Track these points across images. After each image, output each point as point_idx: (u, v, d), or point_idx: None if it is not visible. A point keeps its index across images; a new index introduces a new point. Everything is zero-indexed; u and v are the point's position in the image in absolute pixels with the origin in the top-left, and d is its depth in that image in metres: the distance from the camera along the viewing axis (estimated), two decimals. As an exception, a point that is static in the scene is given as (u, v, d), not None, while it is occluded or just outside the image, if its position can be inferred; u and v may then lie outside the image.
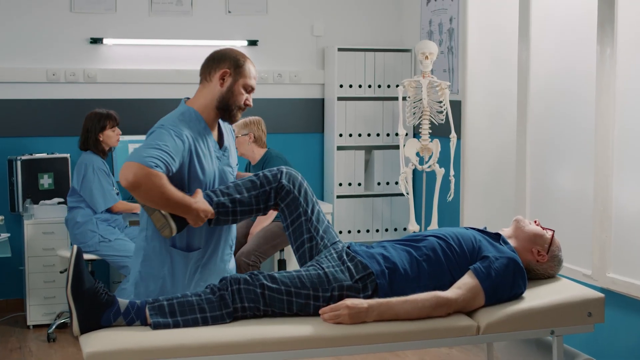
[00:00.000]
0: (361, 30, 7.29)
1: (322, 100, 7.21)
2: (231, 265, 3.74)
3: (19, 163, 6.21)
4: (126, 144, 6.38)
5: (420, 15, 6.95)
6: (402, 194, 7.02)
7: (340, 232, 6.96)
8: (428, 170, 6.09)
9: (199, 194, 3.40)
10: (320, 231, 3.52)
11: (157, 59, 6.73)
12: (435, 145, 6.05)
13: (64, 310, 6.06)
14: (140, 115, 6.61)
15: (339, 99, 6.97)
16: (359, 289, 3.33)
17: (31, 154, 6.31)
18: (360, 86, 7.03)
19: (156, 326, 3.12)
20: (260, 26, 7.02)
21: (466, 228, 3.68)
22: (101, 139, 5.92)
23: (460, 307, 3.34)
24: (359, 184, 7.11)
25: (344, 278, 3.33)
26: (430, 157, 6.09)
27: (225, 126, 3.70)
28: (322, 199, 7.23)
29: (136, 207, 5.94)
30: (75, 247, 3.13)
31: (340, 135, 7.00)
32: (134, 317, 3.15)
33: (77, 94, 6.61)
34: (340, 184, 7.05)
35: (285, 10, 7.10)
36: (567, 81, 5.35)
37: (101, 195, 5.81)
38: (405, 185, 6.04)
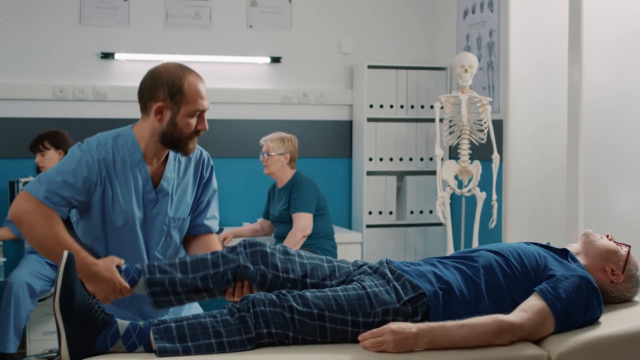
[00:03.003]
0: (392, 47, 6.90)
1: (350, 122, 6.78)
2: None
3: (21, 186, 5.77)
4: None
5: (457, 29, 6.50)
6: (437, 224, 6.58)
7: (370, 265, 6.41)
8: (467, 194, 5.63)
9: (112, 261, 2.86)
10: (327, 281, 2.97)
11: None
12: (476, 167, 5.58)
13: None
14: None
15: (369, 120, 6.54)
16: (408, 314, 2.80)
17: (34, 177, 5.80)
18: (391, 106, 6.58)
19: (162, 353, 2.59)
20: (284, 42, 6.63)
21: (526, 243, 3.17)
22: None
23: (527, 333, 2.81)
24: (390, 213, 6.60)
25: (390, 300, 2.80)
26: (470, 181, 5.64)
27: (188, 164, 3.21)
28: (350, 228, 6.74)
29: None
30: (65, 252, 2.59)
31: (370, 159, 6.53)
32: (135, 341, 2.62)
33: (86, 113, 6.22)
34: (370, 213, 6.55)
35: (310, 25, 6.72)
36: (622, 96, 4.94)
37: None
38: (442, 211, 5.55)
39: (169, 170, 3.15)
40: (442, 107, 5.60)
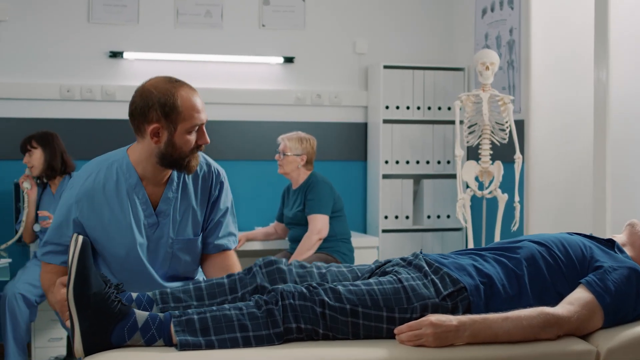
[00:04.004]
0: (408, 47, 6.72)
1: (365, 124, 6.60)
2: None
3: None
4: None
5: (474, 28, 6.33)
6: (454, 229, 6.40)
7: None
8: (489, 196, 5.44)
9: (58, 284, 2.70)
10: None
11: (182, 75, 5.80)
12: (497, 168, 5.41)
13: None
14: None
15: (385, 121, 6.35)
16: (448, 309, 2.61)
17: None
18: (408, 108, 6.40)
19: (183, 346, 2.40)
20: (297, 42, 6.45)
21: (569, 233, 2.97)
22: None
23: (574, 327, 2.63)
24: (407, 217, 6.40)
25: (428, 294, 2.61)
26: (491, 182, 5.45)
27: (196, 183, 3.05)
28: (365, 232, 6.54)
29: None
30: (79, 236, 2.40)
31: (386, 162, 6.33)
32: (155, 334, 2.43)
33: (94, 113, 6.03)
34: (386, 217, 6.35)
35: (324, 24, 6.54)
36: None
37: None
38: (463, 213, 5.36)
39: (170, 191, 2.97)
40: (461, 107, 5.42)
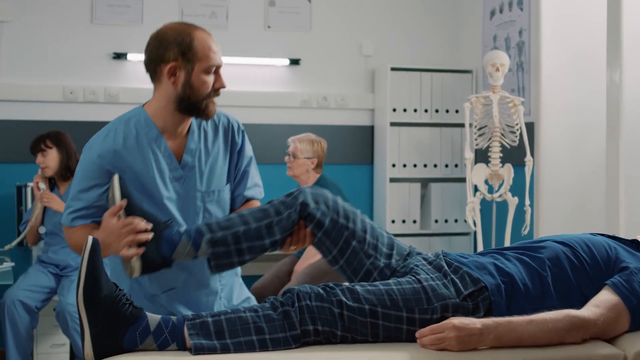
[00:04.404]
0: (414, 49, 6.67)
1: (372, 127, 6.54)
2: (236, 300, 3.06)
3: (28, 190, 5.58)
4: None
5: (482, 30, 6.26)
6: (462, 233, 6.33)
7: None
8: (499, 200, 5.35)
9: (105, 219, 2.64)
10: (385, 248, 2.72)
11: None
12: (507, 171, 5.34)
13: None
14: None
15: (392, 124, 6.29)
16: (468, 309, 2.53)
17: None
18: (415, 110, 6.34)
19: (198, 350, 2.32)
20: (303, 44, 6.40)
21: (592, 234, 2.88)
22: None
23: (600, 331, 2.54)
24: (414, 221, 6.33)
25: (448, 294, 2.52)
26: (500, 185, 5.37)
27: (216, 133, 2.97)
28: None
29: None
30: (90, 237, 2.31)
31: (393, 165, 6.28)
32: (167, 337, 2.34)
33: (97, 115, 5.94)
34: (393, 221, 6.29)
35: (330, 26, 6.49)
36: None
37: None
38: (472, 217, 5.28)
39: (192, 142, 2.89)
40: (472, 109, 5.35)
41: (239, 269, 3.08)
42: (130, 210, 2.57)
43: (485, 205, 5.61)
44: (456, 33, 6.71)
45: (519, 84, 5.80)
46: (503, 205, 5.52)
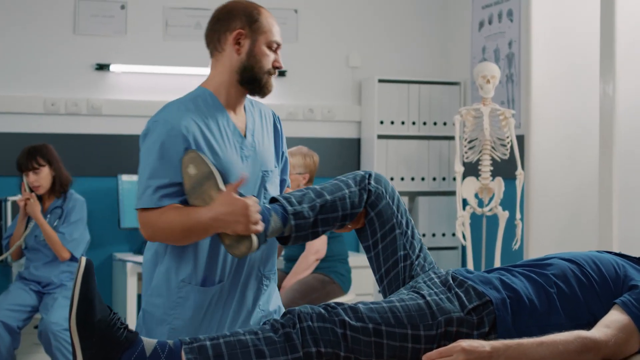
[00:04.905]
0: (402, 61, 6.64)
1: (359, 140, 6.50)
2: (272, 306, 2.93)
3: (8, 205, 5.46)
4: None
5: (471, 41, 6.21)
6: (451, 248, 6.26)
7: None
8: (489, 214, 5.30)
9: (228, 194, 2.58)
10: (417, 249, 2.74)
11: (171, 89, 5.86)
12: (498, 185, 5.30)
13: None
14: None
15: (379, 137, 6.26)
16: (473, 324, 2.47)
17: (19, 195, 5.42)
18: (403, 123, 6.30)
19: (196, 377, 2.20)
20: (289, 55, 6.24)
21: (599, 252, 2.81)
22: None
23: (611, 352, 2.47)
24: (402, 235, 6.23)
25: (452, 308, 2.47)
26: (491, 199, 5.31)
27: (261, 116, 2.92)
28: (358, 251, 6.37)
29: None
30: (84, 258, 2.21)
31: (380, 179, 6.16)
32: (164, 363, 2.23)
33: (79, 128, 5.89)
34: (381, 235, 6.16)
35: (317, 37, 6.46)
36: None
37: None
38: (462, 231, 5.23)
39: (250, 121, 2.85)
40: (461, 122, 5.29)
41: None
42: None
43: (475, 219, 5.57)
44: (444, 44, 6.67)
45: (508, 96, 5.76)
46: (493, 219, 5.48)
